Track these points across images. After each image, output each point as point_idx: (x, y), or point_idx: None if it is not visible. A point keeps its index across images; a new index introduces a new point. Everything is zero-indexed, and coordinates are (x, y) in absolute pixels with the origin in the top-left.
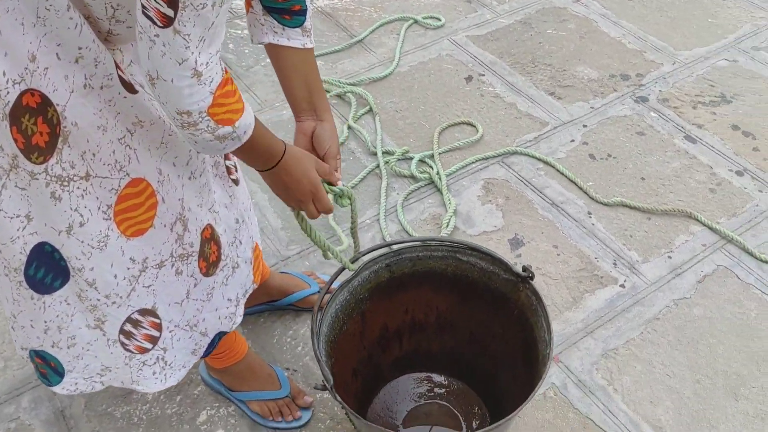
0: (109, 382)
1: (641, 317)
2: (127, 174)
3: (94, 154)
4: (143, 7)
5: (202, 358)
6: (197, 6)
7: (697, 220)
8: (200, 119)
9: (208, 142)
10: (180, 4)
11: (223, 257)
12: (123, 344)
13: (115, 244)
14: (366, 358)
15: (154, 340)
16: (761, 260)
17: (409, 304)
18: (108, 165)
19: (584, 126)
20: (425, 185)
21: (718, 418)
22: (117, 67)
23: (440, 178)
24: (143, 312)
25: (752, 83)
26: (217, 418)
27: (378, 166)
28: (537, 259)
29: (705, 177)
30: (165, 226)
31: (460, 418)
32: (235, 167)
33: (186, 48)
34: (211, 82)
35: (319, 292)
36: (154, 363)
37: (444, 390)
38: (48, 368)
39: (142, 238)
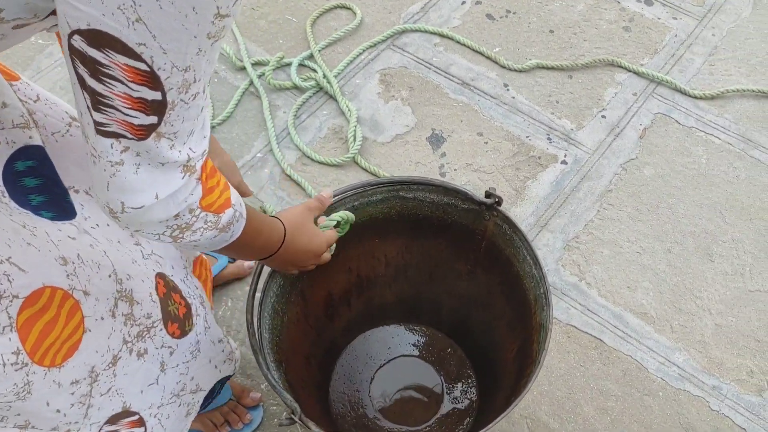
0: None
1: (593, 193)
2: (14, 296)
3: None
4: (98, 125)
5: (204, 411)
6: (190, 97)
7: (621, 66)
8: (194, 218)
9: (211, 239)
10: (168, 106)
11: (190, 301)
12: None
13: (42, 384)
14: (315, 339)
15: None
16: (695, 96)
17: (352, 261)
18: None
19: None
20: (314, 94)
21: (700, 285)
22: None
23: (329, 82)
24: (113, 419)
25: None
26: None
27: (251, 83)
28: (464, 153)
29: (615, 15)
30: (103, 319)
31: (432, 366)
32: None
33: (171, 148)
34: (198, 164)
35: (231, 263)
36: None
37: (408, 341)
38: None
39: (79, 352)
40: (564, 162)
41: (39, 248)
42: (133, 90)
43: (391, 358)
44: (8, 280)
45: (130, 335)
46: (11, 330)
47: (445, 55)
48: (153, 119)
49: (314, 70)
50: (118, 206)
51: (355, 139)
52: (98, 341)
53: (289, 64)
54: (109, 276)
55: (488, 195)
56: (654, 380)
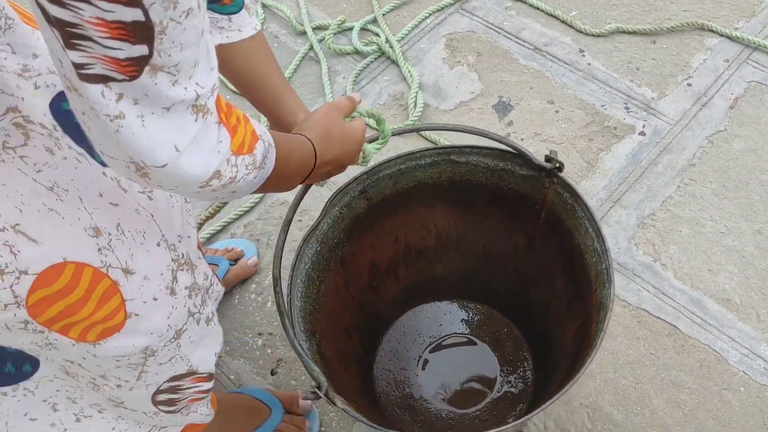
0: None
1: (673, 167)
2: (21, 272)
3: None
4: (78, 67)
5: None
6: (180, 15)
7: (712, 30)
8: (234, 169)
9: (252, 182)
10: (156, 29)
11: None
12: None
13: (71, 350)
14: (358, 310)
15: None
16: None
17: (399, 230)
18: None
19: None
20: (375, 59)
21: None
22: None
23: (391, 47)
24: (176, 378)
25: None
26: None
27: (311, 47)
28: (533, 122)
29: None
30: (156, 299)
31: (486, 347)
32: None
33: (173, 84)
34: (209, 102)
35: (232, 266)
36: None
37: (460, 318)
38: None
39: (120, 334)
40: (642, 133)
41: (64, 215)
42: (104, 11)
43: (442, 336)
44: (11, 252)
45: (195, 306)
46: (17, 307)
47: (516, 19)
48: (142, 49)
49: (377, 35)
50: (140, 164)
51: (415, 106)
52: (152, 323)
53: (350, 29)
54: (158, 244)
55: (548, 159)
56: (735, 374)
